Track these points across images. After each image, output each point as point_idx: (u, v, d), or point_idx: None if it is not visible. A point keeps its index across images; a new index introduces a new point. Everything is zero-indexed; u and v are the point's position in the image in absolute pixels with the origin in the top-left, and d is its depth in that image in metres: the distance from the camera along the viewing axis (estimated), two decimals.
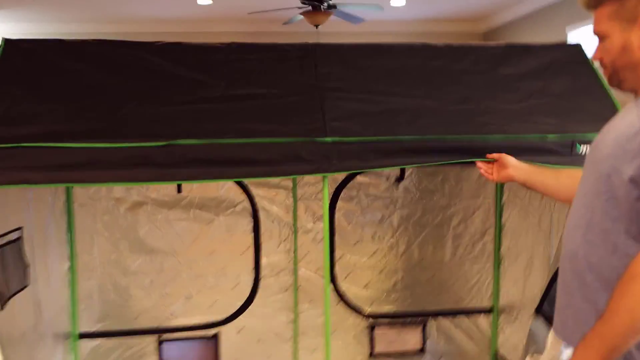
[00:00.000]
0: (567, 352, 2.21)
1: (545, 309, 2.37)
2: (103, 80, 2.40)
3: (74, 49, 2.49)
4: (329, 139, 2.25)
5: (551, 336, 2.33)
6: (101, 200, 3.30)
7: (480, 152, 2.31)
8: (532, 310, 3.26)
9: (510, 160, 2.20)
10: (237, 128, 2.27)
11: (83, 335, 3.32)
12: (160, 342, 3.38)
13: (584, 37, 5.79)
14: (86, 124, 2.22)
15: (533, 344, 2.38)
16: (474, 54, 2.67)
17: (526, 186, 2.19)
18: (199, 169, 2.18)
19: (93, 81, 2.39)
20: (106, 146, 2.14)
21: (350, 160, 2.26)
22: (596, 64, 2.69)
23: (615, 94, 2.61)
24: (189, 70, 2.46)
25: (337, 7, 5.92)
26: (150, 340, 3.39)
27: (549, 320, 2.35)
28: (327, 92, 2.44)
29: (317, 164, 2.24)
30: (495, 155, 2.24)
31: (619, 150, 1.47)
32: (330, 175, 2.30)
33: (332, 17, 6.25)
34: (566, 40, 6.19)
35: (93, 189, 3.27)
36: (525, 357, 2.40)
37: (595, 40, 1.64)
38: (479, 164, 2.28)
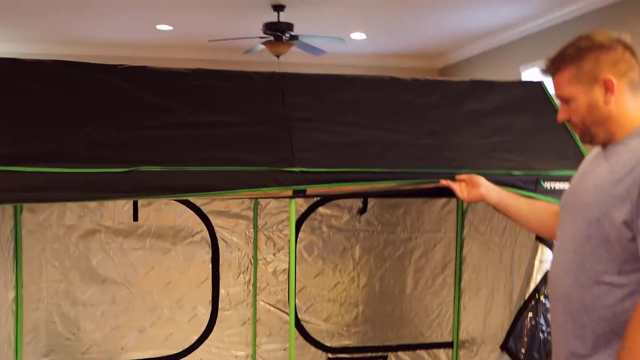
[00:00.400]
0: None
1: (510, 345, 2.35)
2: (61, 102, 2.30)
3: (30, 69, 2.38)
4: (297, 169, 2.21)
5: None
6: (51, 227, 3.15)
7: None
8: (493, 345, 3.26)
9: (481, 180, 2.18)
10: (202, 156, 2.20)
11: None
12: None
13: (536, 76, 5.98)
14: (42, 147, 2.11)
15: None
16: (441, 89, 2.69)
17: (497, 209, 2.16)
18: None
19: (50, 103, 2.29)
20: (64, 171, 2.03)
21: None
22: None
23: None
24: (153, 94, 2.39)
25: (299, 39, 5.94)
26: None
27: (514, 357, 2.33)
28: (295, 122, 2.40)
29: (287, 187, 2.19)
30: (464, 176, 2.22)
31: (605, 197, 1.53)
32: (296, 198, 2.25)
33: (294, 49, 6.27)
34: (520, 78, 6.38)
35: (43, 215, 3.13)
36: None
37: (559, 102, 1.72)
38: (449, 182, 2.23)
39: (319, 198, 3.34)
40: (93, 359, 3.22)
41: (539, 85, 2.82)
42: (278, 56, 6.10)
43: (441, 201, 3.57)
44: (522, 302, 2.38)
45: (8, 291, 2.98)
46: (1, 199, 2.01)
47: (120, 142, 2.21)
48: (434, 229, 3.58)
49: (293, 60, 7.51)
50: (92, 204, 3.17)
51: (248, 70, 2.62)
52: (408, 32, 7.02)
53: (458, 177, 2.23)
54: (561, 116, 1.71)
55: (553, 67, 1.67)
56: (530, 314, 2.36)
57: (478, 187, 2.16)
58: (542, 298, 2.35)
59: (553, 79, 1.70)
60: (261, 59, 7.43)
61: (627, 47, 1.61)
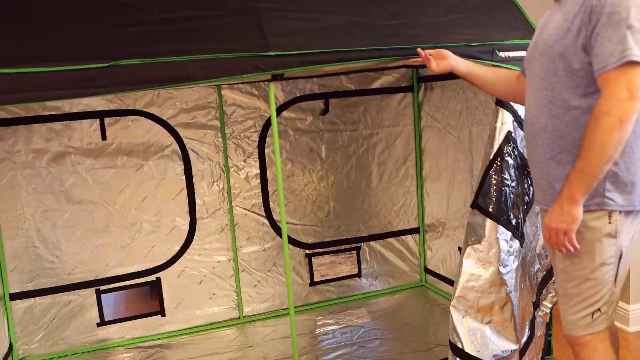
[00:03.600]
0: (504, 234, 2.45)
1: (480, 203, 2.57)
2: (25, 7, 2.27)
3: None
4: (272, 53, 2.30)
5: (488, 224, 2.56)
6: (20, 154, 3.13)
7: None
8: (457, 221, 3.53)
9: (448, 53, 2.37)
10: (180, 48, 2.25)
11: (14, 296, 3.17)
12: (99, 294, 3.30)
13: None
14: (15, 51, 2.10)
15: (472, 235, 2.59)
16: None
17: (466, 78, 2.37)
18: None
19: (14, 9, 2.26)
20: (46, 70, 2.04)
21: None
22: None
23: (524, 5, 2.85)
24: None
25: None
26: (88, 294, 3.30)
27: (484, 211, 2.56)
28: (263, 12, 2.47)
29: (265, 71, 2.28)
30: (432, 51, 2.39)
31: (564, 32, 1.81)
32: (278, 80, 2.34)
33: None
34: None
35: (9, 142, 3.10)
36: (465, 248, 2.60)
37: None
38: (420, 52, 2.39)
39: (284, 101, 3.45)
40: (79, 279, 3.29)
41: None
42: None
43: (398, 96, 3.74)
44: (487, 163, 2.59)
45: None
46: None
47: (95, 41, 2.22)
48: (394, 124, 3.77)
49: None
50: (58, 126, 3.17)
51: None
52: None
53: (427, 51, 2.38)
54: None
55: None
56: (495, 172, 2.58)
57: (446, 59, 2.35)
58: (505, 156, 2.57)
59: None
60: None
61: None
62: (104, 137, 3.25)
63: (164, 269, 3.43)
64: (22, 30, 2.21)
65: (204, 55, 2.23)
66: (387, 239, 3.86)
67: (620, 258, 1.88)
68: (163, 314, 3.44)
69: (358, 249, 3.80)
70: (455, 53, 2.47)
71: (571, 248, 1.85)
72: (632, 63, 1.66)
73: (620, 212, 1.84)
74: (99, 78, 2.11)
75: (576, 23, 1.76)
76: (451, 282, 3.62)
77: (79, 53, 2.17)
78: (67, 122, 3.18)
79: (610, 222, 1.84)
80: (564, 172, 1.86)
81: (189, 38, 2.31)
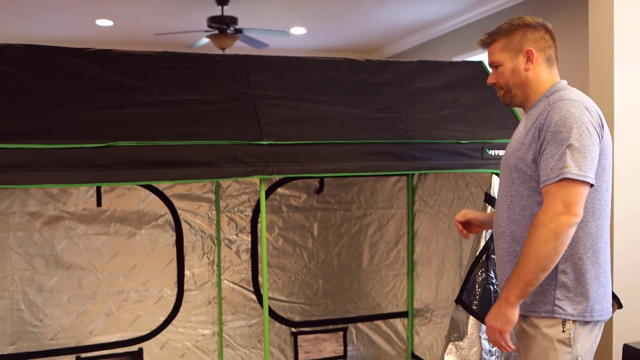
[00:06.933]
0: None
1: (464, 299, 2.57)
2: (32, 83, 2.36)
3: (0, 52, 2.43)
4: (265, 142, 2.36)
5: (471, 321, 2.55)
6: (14, 215, 3.17)
7: (404, 155, 2.51)
8: (445, 309, 3.50)
9: (474, 218, 2.29)
10: (175, 131, 2.32)
11: None
12: None
13: None
14: (19, 126, 2.18)
15: (455, 331, 2.58)
16: (392, 69, 2.90)
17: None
18: (138, 171, 2.20)
19: (21, 84, 2.35)
20: (43, 147, 2.11)
21: (286, 163, 2.37)
22: None
23: None
24: (123, 76, 2.48)
25: (244, 32, 6.06)
26: None
27: (468, 308, 2.56)
28: (260, 100, 2.55)
29: (255, 166, 2.34)
30: (460, 226, 2.33)
31: (519, 145, 1.94)
32: (267, 178, 2.41)
33: (237, 42, 6.39)
34: None
35: (5, 203, 3.15)
36: (447, 344, 2.59)
37: (490, 69, 2.11)
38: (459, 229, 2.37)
39: (278, 179, 3.50)
40: (61, 345, 3.26)
41: (480, 64, 3.07)
42: (223, 49, 6.21)
43: (393, 179, 3.79)
44: (473, 259, 2.61)
45: None
46: None
47: (94, 120, 2.30)
48: (387, 206, 3.80)
49: (238, 53, 7.66)
50: (55, 190, 3.22)
51: (211, 53, 2.75)
52: (346, 27, 7.27)
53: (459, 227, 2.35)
54: (490, 79, 2.08)
55: (489, 38, 2.05)
56: (480, 270, 2.59)
57: (472, 225, 2.33)
58: (491, 254, 2.59)
59: (488, 49, 2.06)
60: (206, 52, 7.52)
61: (548, 31, 2.01)
62: (99, 204, 3.29)
63: (147, 340, 3.40)
64: (24, 106, 2.29)
65: (198, 141, 2.30)
66: (375, 322, 3.82)
67: None
68: None
69: (345, 329, 3.76)
70: (445, 150, 2.55)
71: (507, 347, 1.88)
72: (569, 180, 1.76)
73: (574, 321, 1.86)
74: (94, 157, 2.17)
75: (529, 138, 1.90)
76: None
77: (77, 132, 2.24)
78: (78, 184, 3.23)
79: (563, 331, 1.87)
80: None
81: (186, 122, 2.39)
